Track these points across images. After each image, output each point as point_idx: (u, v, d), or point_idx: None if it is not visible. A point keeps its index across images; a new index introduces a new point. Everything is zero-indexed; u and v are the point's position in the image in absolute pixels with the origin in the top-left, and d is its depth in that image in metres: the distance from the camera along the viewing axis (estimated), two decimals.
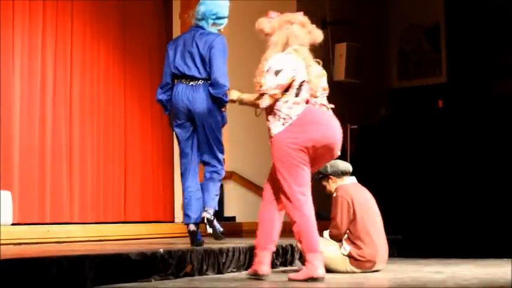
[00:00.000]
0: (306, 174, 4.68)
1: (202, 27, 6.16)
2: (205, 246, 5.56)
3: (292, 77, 4.68)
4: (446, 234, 8.52)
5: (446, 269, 5.67)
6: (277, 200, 4.83)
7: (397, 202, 9.44)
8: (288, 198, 4.66)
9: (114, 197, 9.71)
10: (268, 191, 4.92)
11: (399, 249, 7.89)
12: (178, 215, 10.31)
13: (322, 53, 11.18)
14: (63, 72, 9.20)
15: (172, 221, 10.15)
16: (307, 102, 4.68)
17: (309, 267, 4.64)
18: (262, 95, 4.79)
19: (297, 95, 4.69)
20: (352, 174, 5.76)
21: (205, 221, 5.85)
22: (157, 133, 10.41)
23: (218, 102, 5.97)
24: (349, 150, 10.37)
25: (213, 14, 6.18)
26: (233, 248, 5.50)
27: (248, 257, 5.54)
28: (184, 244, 5.86)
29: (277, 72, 4.70)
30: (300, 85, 4.69)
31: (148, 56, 10.23)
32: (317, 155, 4.67)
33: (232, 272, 5.39)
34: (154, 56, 10.29)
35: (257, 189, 10.05)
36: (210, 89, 5.92)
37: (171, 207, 10.40)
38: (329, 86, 4.94)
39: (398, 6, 12.05)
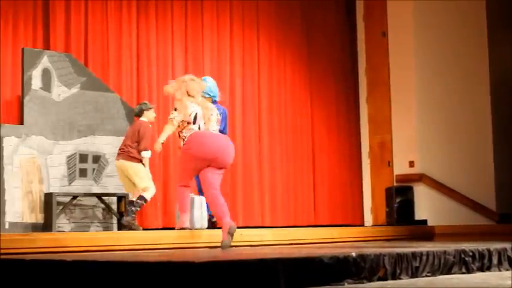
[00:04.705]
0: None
1: None
2: (398, 250, 5.43)
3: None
4: None
5: None
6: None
7: None
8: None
9: (304, 201, 9.79)
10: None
11: None
12: (368, 219, 10.22)
13: None
14: (251, 83, 9.46)
15: (362, 225, 10.07)
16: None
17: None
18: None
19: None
20: None
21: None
22: (344, 138, 10.39)
23: None
24: None
25: None
26: (427, 251, 5.33)
27: (443, 261, 5.35)
28: (375, 247, 5.76)
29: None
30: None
31: (332, 61, 10.27)
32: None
33: (426, 276, 5.22)
34: (338, 62, 10.31)
35: (449, 192, 9.75)
36: None
37: (360, 210, 10.33)
38: None
39: None
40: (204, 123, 6.67)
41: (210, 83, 7.40)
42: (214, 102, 7.45)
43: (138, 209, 7.44)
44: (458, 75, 10.25)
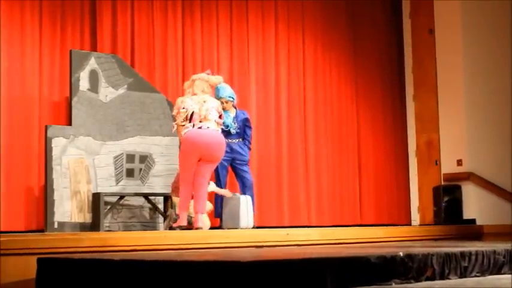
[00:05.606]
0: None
1: None
2: (447, 249, 5.37)
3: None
4: None
5: None
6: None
7: None
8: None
9: (349, 200, 9.75)
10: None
11: None
12: (415, 218, 10.13)
13: None
14: (296, 85, 9.46)
15: (409, 224, 9.99)
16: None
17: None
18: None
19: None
20: None
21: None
22: (390, 137, 10.32)
23: None
24: None
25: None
26: (476, 251, 5.26)
27: (492, 260, 5.28)
28: (423, 247, 5.71)
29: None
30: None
31: (378, 60, 10.22)
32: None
33: (476, 276, 5.15)
34: (384, 60, 10.25)
35: (498, 191, 9.62)
36: None
37: (406, 210, 10.25)
38: None
39: None
40: (200, 120, 6.81)
41: (228, 89, 7.55)
42: (234, 106, 7.66)
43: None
44: (506, 73, 10.09)
